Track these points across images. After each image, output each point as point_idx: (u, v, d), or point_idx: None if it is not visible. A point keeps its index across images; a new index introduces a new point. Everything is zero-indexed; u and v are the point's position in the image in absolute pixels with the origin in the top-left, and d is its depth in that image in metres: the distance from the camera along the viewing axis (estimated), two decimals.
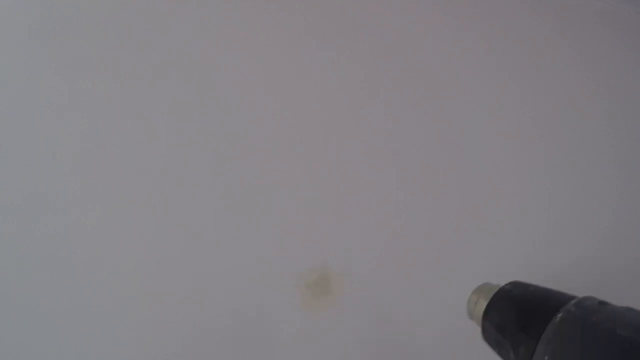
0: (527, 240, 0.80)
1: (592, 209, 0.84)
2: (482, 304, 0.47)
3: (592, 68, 0.89)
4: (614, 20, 0.93)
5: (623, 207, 0.86)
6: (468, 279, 0.75)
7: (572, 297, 0.42)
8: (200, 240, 0.64)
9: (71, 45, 0.63)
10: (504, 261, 0.78)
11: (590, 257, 0.83)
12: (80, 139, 0.62)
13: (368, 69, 0.75)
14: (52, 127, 0.61)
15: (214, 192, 0.66)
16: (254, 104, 0.69)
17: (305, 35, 0.73)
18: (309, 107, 0.72)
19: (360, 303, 0.70)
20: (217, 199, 0.66)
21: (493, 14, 0.85)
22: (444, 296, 0.74)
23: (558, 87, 0.86)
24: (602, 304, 0.41)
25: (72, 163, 0.61)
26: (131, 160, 0.63)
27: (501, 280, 0.54)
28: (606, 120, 0.88)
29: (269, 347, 0.65)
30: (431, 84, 0.78)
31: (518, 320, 0.43)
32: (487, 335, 0.46)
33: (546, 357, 0.38)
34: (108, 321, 0.59)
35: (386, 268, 0.72)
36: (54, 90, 0.62)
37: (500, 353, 0.44)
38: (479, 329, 0.62)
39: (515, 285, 0.47)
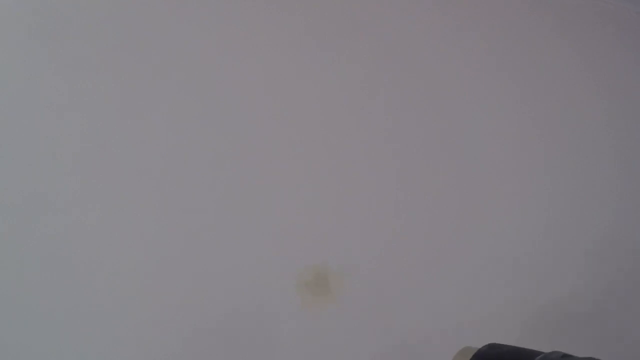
0: (527, 240, 0.80)
1: (592, 209, 0.84)
2: None
3: (592, 68, 0.89)
4: (614, 20, 0.92)
5: (623, 207, 0.86)
6: (467, 279, 0.76)
7: (540, 353, 0.50)
8: (200, 240, 0.64)
9: (71, 45, 0.63)
10: (503, 261, 0.78)
11: (590, 256, 0.83)
12: (80, 139, 0.62)
13: (368, 69, 0.75)
14: (52, 127, 0.61)
15: (214, 192, 0.66)
16: (254, 104, 0.69)
17: (305, 35, 0.73)
18: (309, 107, 0.72)
19: (360, 303, 0.70)
20: (217, 199, 0.65)
21: (493, 14, 0.85)
22: (444, 295, 0.74)
23: (558, 87, 0.86)
24: (565, 357, 0.48)
25: (72, 163, 0.61)
26: (131, 160, 0.63)
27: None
28: (606, 120, 0.88)
29: (269, 347, 0.65)
30: (431, 84, 0.78)
31: None
32: None
33: None
34: (108, 320, 0.59)
35: (386, 267, 0.72)
36: (54, 90, 0.62)
37: None
38: (478, 328, 0.63)
39: (491, 347, 0.54)
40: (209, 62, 0.68)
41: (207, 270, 0.64)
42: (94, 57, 0.64)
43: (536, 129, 0.83)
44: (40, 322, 0.57)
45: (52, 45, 0.62)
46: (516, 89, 0.84)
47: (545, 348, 0.51)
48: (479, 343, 0.65)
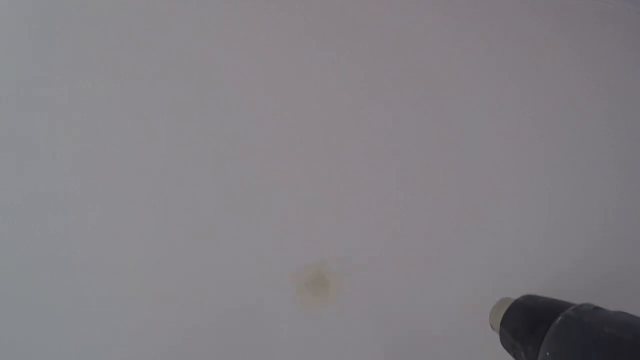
0: (527, 240, 0.80)
1: (592, 209, 0.84)
2: (501, 314, 0.56)
3: (592, 68, 0.89)
4: (614, 20, 0.93)
5: (623, 207, 0.86)
6: (467, 279, 0.76)
7: (573, 304, 0.51)
8: (200, 239, 0.64)
9: (71, 45, 0.63)
10: (503, 261, 0.78)
11: (590, 256, 0.83)
12: (80, 139, 0.62)
13: (368, 69, 0.75)
14: (52, 127, 0.61)
15: (214, 192, 0.66)
16: (254, 104, 0.69)
17: (305, 35, 0.73)
18: (309, 107, 0.72)
19: (360, 302, 0.70)
20: (217, 199, 0.66)
21: (493, 14, 0.85)
22: (444, 296, 0.74)
23: (558, 87, 0.86)
24: (597, 309, 0.49)
25: (72, 163, 0.61)
26: (131, 160, 0.63)
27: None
28: (606, 120, 0.88)
29: (270, 346, 0.65)
30: (431, 84, 0.78)
31: (528, 325, 0.52)
32: (503, 340, 0.56)
33: (547, 353, 0.47)
34: (108, 320, 0.59)
35: (386, 267, 0.72)
36: (53, 90, 0.62)
37: (514, 355, 0.54)
38: (479, 329, 0.63)
39: (528, 298, 0.56)
40: (209, 62, 0.68)
41: (207, 269, 0.64)
42: (94, 57, 0.64)
43: (536, 129, 0.83)
44: (40, 321, 0.57)
45: (51, 45, 0.62)
46: (516, 89, 0.84)
47: None
48: (479, 343, 0.65)
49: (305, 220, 0.69)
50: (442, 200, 0.76)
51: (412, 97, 0.77)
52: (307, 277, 0.67)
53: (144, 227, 0.62)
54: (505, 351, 0.57)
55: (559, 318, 0.48)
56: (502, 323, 0.55)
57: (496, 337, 0.59)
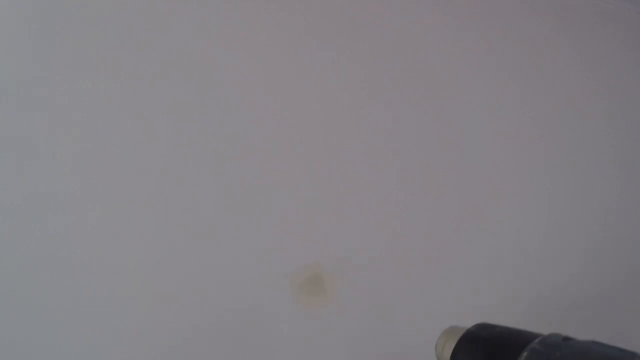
0: (527, 240, 0.80)
1: (592, 209, 0.84)
2: (450, 346, 0.47)
3: (592, 68, 0.89)
4: (614, 20, 0.93)
5: (623, 207, 0.86)
6: (467, 279, 0.76)
7: (538, 335, 0.44)
8: (200, 239, 0.64)
9: (71, 45, 0.63)
10: (503, 261, 0.78)
11: (590, 256, 0.83)
12: (80, 139, 0.62)
13: (368, 69, 0.75)
14: (52, 127, 0.61)
15: (214, 192, 0.66)
16: (254, 104, 0.69)
17: (305, 35, 0.73)
18: (309, 107, 0.72)
19: (360, 302, 0.70)
20: (216, 199, 0.65)
21: (493, 14, 0.85)
22: (444, 295, 0.74)
23: (558, 87, 0.86)
24: (566, 339, 0.43)
25: (72, 163, 0.61)
26: (131, 160, 0.63)
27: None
28: (606, 120, 0.88)
29: (270, 346, 0.65)
30: (431, 84, 0.78)
31: None
32: None
33: None
34: (108, 320, 0.59)
35: (386, 267, 0.72)
36: (54, 90, 0.62)
37: None
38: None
39: (481, 327, 0.48)
40: (209, 62, 0.68)
41: (207, 269, 0.64)
42: (94, 57, 0.64)
43: (536, 129, 0.83)
44: (40, 321, 0.57)
45: (51, 45, 0.62)
46: (516, 89, 0.84)
47: None
48: None
49: (305, 220, 0.69)
50: (442, 200, 0.76)
51: (412, 97, 0.77)
52: (307, 277, 0.67)
53: (144, 227, 0.62)
54: None
55: (524, 354, 0.41)
56: (453, 357, 0.47)
57: None
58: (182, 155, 0.65)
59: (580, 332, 0.54)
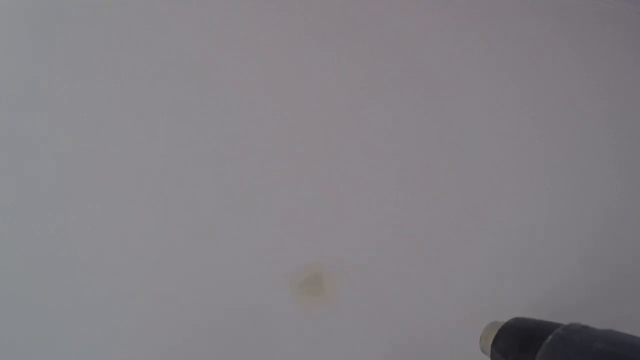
0: (527, 240, 0.80)
1: (592, 209, 0.84)
2: (491, 337, 0.58)
3: (592, 68, 0.89)
4: (614, 20, 0.92)
5: (623, 207, 0.86)
6: (467, 279, 0.76)
7: (562, 325, 0.54)
8: (200, 240, 0.64)
9: (71, 45, 0.63)
10: (503, 261, 0.78)
11: (590, 256, 0.83)
12: (80, 139, 0.62)
13: (368, 69, 0.75)
14: (52, 126, 0.61)
15: (214, 192, 0.66)
16: (254, 104, 0.69)
17: (305, 35, 0.73)
18: (309, 107, 0.72)
19: (360, 302, 0.70)
20: (217, 199, 0.66)
21: (493, 14, 0.85)
22: (444, 296, 0.74)
23: (558, 87, 0.86)
24: (585, 327, 0.53)
25: (72, 163, 0.61)
26: (131, 160, 0.63)
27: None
28: (606, 120, 0.88)
29: (270, 346, 0.65)
30: (431, 84, 0.78)
31: (519, 346, 0.55)
32: None
33: None
34: (108, 320, 0.59)
35: (386, 267, 0.72)
36: (54, 90, 0.62)
37: None
38: (478, 330, 0.63)
39: (517, 320, 0.59)
40: (209, 62, 0.68)
41: (207, 269, 0.64)
42: (94, 57, 0.64)
43: (536, 129, 0.83)
44: (40, 321, 0.57)
45: (51, 44, 0.62)
46: (516, 89, 0.84)
47: None
48: (476, 342, 0.65)
49: (305, 220, 0.69)
50: (442, 201, 0.76)
51: (412, 97, 0.77)
52: (307, 277, 0.67)
53: (144, 227, 0.62)
54: None
55: (550, 337, 0.51)
56: (494, 344, 0.58)
57: None
58: (182, 155, 0.65)
59: None
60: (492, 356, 0.59)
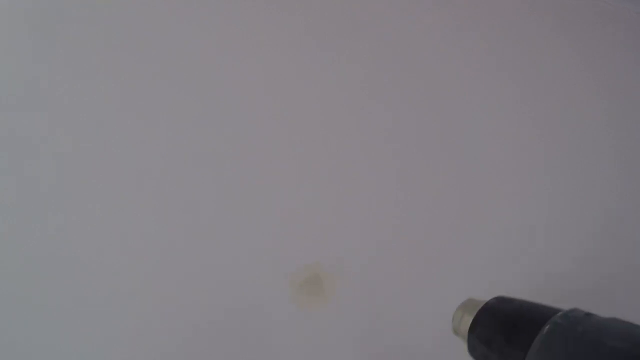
0: (527, 240, 0.80)
1: (592, 209, 0.84)
2: (468, 320, 0.47)
3: (592, 68, 0.89)
4: (614, 20, 0.92)
5: (623, 207, 0.86)
6: (467, 280, 0.76)
7: (559, 310, 0.43)
8: (200, 240, 0.64)
9: (71, 45, 0.63)
10: (503, 262, 0.78)
11: (590, 256, 0.83)
12: (80, 139, 0.62)
13: (368, 69, 0.75)
14: (52, 127, 0.61)
15: (214, 192, 0.66)
16: (254, 104, 0.69)
17: (305, 35, 0.73)
18: (309, 107, 0.72)
19: (360, 303, 0.70)
20: (217, 199, 0.66)
21: (493, 14, 0.85)
22: (443, 296, 0.74)
23: (558, 87, 0.86)
24: (588, 315, 0.42)
25: (72, 163, 0.61)
26: (131, 160, 0.63)
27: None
28: (606, 120, 0.88)
29: (270, 346, 0.65)
30: (431, 84, 0.78)
31: (505, 334, 0.43)
32: (473, 350, 0.47)
33: None
34: (108, 320, 0.59)
35: (386, 267, 0.72)
36: (54, 90, 0.62)
37: None
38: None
39: (500, 300, 0.47)
40: (209, 62, 0.68)
41: (207, 269, 0.64)
42: (94, 57, 0.64)
43: (536, 129, 0.83)
44: (40, 321, 0.57)
45: (51, 44, 0.62)
46: (516, 89, 0.84)
47: None
48: None
49: (305, 220, 0.69)
50: (442, 201, 0.76)
51: (412, 97, 0.77)
52: (307, 277, 0.67)
53: (144, 227, 0.63)
54: None
55: (546, 327, 0.40)
56: (472, 330, 0.46)
57: None
58: (182, 155, 0.65)
59: None
60: (469, 344, 0.47)
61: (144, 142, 0.64)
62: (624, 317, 0.83)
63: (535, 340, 0.40)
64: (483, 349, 0.45)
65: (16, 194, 0.58)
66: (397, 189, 0.74)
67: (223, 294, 0.64)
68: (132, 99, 0.64)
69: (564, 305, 0.46)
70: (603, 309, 0.83)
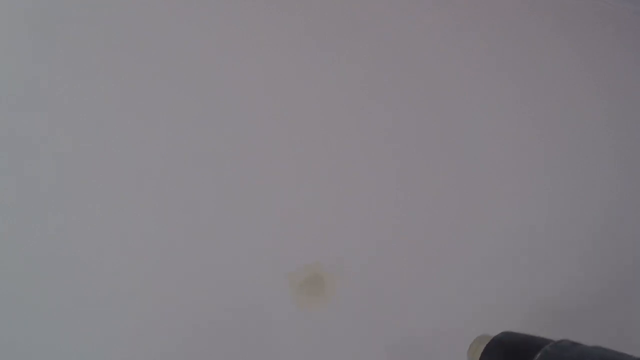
0: (526, 240, 0.80)
1: (592, 209, 0.84)
2: (480, 348, 0.58)
3: (592, 68, 0.89)
4: (614, 20, 0.93)
5: (623, 207, 0.86)
6: (467, 279, 0.76)
7: (551, 340, 0.54)
8: (200, 240, 0.64)
9: (71, 45, 0.63)
10: (503, 261, 0.78)
11: (590, 256, 0.83)
12: (80, 139, 0.62)
13: (368, 69, 0.75)
14: (52, 127, 0.61)
15: (214, 192, 0.66)
16: (254, 104, 0.69)
17: (305, 35, 0.73)
18: (309, 107, 0.72)
19: (360, 302, 0.70)
20: (216, 199, 0.66)
21: (493, 14, 0.85)
22: (443, 295, 0.74)
23: (558, 87, 0.86)
24: (575, 344, 0.53)
25: (72, 163, 0.61)
26: (131, 160, 0.63)
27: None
28: (606, 120, 0.88)
29: (270, 346, 0.65)
30: (431, 84, 0.78)
31: (508, 359, 0.55)
32: None
33: None
34: (108, 320, 0.59)
35: (386, 267, 0.72)
36: (53, 89, 0.62)
37: None
38: (477, 327, 0.63)
39: (506, 334, 0.58)
40: (209, 62, 0.68)
41: (207, 269, 0.64)
42: (94, 57, 0.64)
43: (536, 129, 0.83)
44: (40, 321, 0.57)
45: (51, 44, 0.62)
46: (516, 89, 0.84)
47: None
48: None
49: (305, 220, 0.69)
50: (442, 200, 0.76)
51: (412, 97, 0.77)
52: (307, 277, 0.67)
53: (144, 227, 0.62)
54: None
55: (538, 354, 0.52)
56: (482, 357, 0.58)
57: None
58: (182, 155, 0.65)
59: (580, 331, 0.55)
60: None
61: (144, 142, 0.64)
62: (624, 316, 0.83)
63: None
64: None
65: (16, 194, 0.58)
66: (397, 189, 0.74)
67: (223, 294, 0.64)
68: (132, 99, 0.64)
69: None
70: (602, 308, 0.83)
